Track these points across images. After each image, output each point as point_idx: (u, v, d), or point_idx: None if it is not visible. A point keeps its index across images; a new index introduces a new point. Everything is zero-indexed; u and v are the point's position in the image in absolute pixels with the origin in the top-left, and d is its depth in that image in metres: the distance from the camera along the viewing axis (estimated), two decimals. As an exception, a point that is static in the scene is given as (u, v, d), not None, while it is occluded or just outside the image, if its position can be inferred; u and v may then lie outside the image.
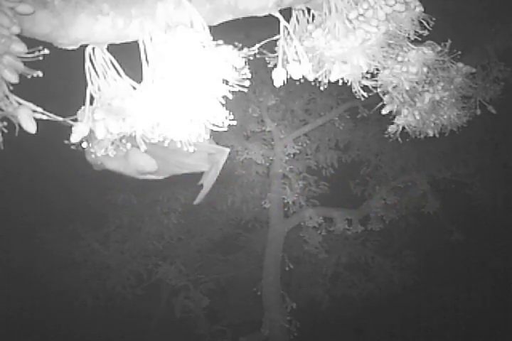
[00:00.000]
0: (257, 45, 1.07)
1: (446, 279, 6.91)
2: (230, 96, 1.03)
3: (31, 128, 0.90)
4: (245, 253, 6.80)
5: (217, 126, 1.06)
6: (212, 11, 1.14)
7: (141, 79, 1.05)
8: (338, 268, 6.50)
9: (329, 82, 1.32)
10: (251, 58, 1.05)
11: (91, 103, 1.08)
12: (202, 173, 1.91)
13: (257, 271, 5.76)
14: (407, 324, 6.82)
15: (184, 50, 0.98)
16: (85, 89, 1.08)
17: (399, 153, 5.94)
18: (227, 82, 1.02)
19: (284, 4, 1.24)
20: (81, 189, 6.27)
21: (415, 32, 1.35)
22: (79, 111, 1.08)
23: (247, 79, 1.04)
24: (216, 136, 1.72)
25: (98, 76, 1.09)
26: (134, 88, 1.08)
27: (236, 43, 1.04)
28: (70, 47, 1.04)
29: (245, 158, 5.72)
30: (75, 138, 1.04)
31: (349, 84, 1.34)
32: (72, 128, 1.04)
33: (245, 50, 1.04)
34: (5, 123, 0.88)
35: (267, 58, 1.27)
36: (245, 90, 1.04)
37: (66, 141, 1.05)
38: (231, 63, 1.01)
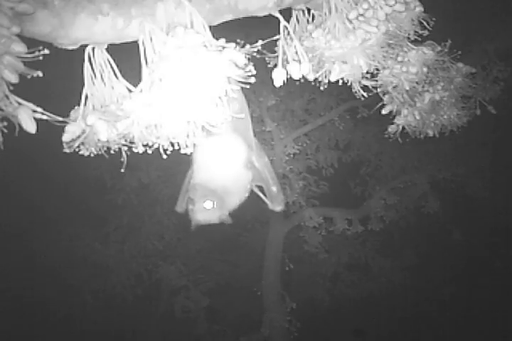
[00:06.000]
0: (258, 43, 1.06)
1: (446, 279, 6.90)
2: (235, 96, 1.02)
3: (31, 128, 0.90)
4: (245, 253, 6.79)
5: (216, 127, 1.05)
6: (212, 11, 1.14)
7: (140, 80, 1.04)
8: (338, 268, 6.50)
9: (329, 82, 1.32)
10: (253, 56, 1.04)
11: (85, 104, 1.08)
12: None
13: (257, 271, 5.76)
14: (406, 324, 6.82)
15: (185, 51, 0.97)
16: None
17: (399, 153, 5.94)
18: (231, 81, 1.01)
19: (284, 4, 1.24)
20: (81, 189, 6.27)
21: (415, 32, 1.35)
22: (72, 111, 1.08)
23: (252, 75, 1.03)
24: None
25: (95, 77, 1.09)
26: (130, 90, 1.08)
27: (238, 40, 1.03)
28: (70, 47, 1.04)
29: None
30: (66, 137, 1.04)
31: (349, 84, 1.34)
32: (65, 128, 1.04)
33: (247, 47, 1.03)
34: (5, 123, 0.87)
35: (267, 58, 1.27)
36: (248, 87, 1.03)
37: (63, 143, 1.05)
38: (234, 61, 1.00)
